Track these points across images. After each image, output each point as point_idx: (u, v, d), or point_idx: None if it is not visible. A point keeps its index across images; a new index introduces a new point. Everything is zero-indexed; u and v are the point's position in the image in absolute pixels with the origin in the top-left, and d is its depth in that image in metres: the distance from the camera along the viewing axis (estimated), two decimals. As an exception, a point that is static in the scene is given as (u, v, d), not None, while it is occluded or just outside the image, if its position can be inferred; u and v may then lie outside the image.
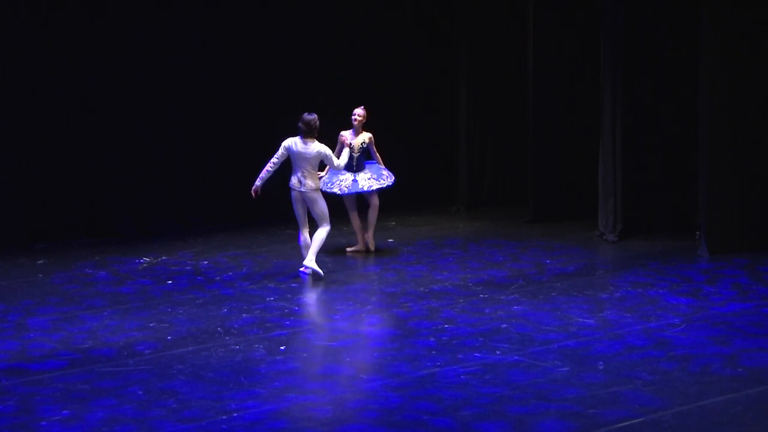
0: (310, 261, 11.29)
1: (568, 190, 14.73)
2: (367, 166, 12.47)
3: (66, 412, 7.50)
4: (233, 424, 7.23)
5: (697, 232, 12.71)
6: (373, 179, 12.36)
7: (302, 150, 11.22)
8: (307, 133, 11.23)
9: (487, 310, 10.03)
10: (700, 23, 12.29)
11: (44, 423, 7.30)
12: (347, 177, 12.29)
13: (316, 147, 11.24)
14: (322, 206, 11.37)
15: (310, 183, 11.27)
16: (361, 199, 12.77)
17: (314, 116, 11.26)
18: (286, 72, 15.05)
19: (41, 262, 12.57)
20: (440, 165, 16.26)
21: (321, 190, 11.61)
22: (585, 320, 9.65)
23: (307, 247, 11.45)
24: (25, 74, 13.43)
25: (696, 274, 11.42)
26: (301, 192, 11.30)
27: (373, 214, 12.62)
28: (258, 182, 11.40)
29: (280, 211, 13.43)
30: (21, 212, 13.56)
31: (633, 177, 13.52)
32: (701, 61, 12.30)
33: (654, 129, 13.56)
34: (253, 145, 14.32)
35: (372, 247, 12.71)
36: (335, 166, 11.52)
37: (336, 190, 12.27)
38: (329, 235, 11.59)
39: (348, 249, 12.73)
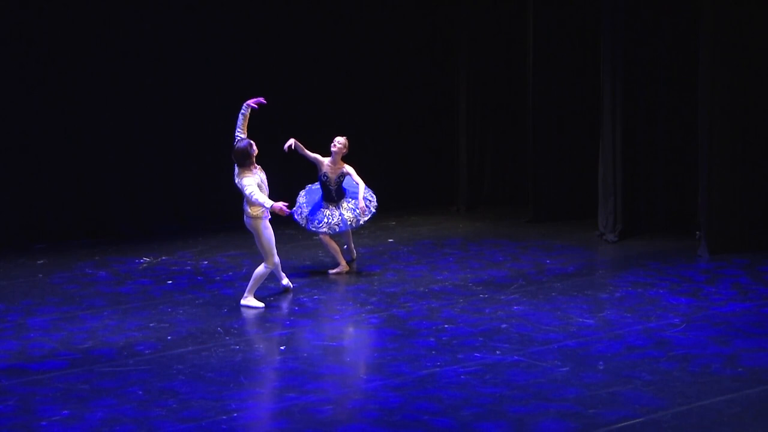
0: (244, 299, 10.36)
1: (568, 190, 14.71)
2: (347, 193, 11.62)
3: (66, 412, 7.50)
4: (233, 424, 7.23)
5: (697, 232, 12.71)
6: (359, 210, 11.39)
7: (235, 178, 10.23)
8: (237, 163, 10.19)
9: (487, 310, 10.03)
10: (700, 23, 12.30)
11: (44, 423, 7.31)
12: (333, 214, 11.51)
13: (239, 176, 10.14)
14: (265, 239, 10.25)
15: (249, 211, 10.22)
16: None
17: (243, 144, 10.24)
18: (287, 72, 15.03)
19: (41, 262, 12.56)
20: (440, 165, 16.25)
21: (309, 229, 11.30)
22: (585, 320, 9.65)
23: (278, 270, 10.71)
24: (25, 74, 13.43)
25: (696, 274, 11.41)
26: (245, 221, 10.35)
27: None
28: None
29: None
30: (21, 212, 13.56)
31: (633, 177, 13.52)
32: (701, 61, 12.29)
33: (654, 129, 13.56)
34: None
35: (354, 255, 12.12)
36: (253, 201, 10.03)
37: (325, 229, 11.46)
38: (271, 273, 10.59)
39: (330, 271, 11.70)
